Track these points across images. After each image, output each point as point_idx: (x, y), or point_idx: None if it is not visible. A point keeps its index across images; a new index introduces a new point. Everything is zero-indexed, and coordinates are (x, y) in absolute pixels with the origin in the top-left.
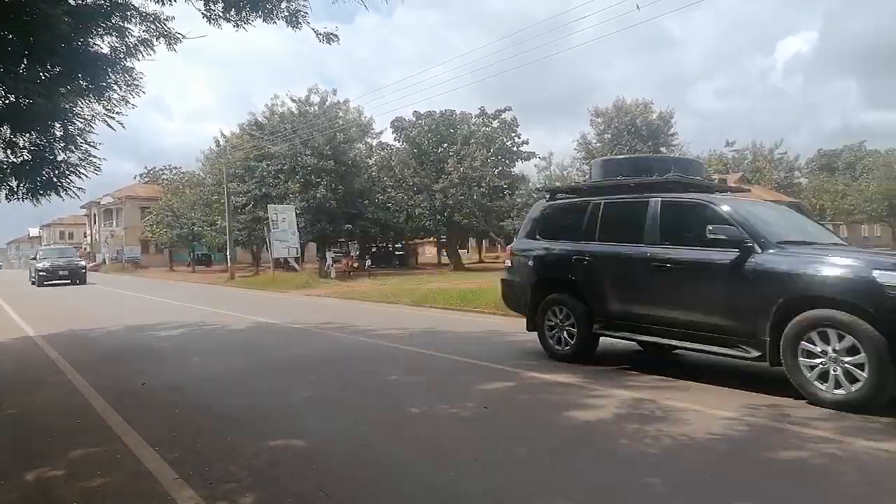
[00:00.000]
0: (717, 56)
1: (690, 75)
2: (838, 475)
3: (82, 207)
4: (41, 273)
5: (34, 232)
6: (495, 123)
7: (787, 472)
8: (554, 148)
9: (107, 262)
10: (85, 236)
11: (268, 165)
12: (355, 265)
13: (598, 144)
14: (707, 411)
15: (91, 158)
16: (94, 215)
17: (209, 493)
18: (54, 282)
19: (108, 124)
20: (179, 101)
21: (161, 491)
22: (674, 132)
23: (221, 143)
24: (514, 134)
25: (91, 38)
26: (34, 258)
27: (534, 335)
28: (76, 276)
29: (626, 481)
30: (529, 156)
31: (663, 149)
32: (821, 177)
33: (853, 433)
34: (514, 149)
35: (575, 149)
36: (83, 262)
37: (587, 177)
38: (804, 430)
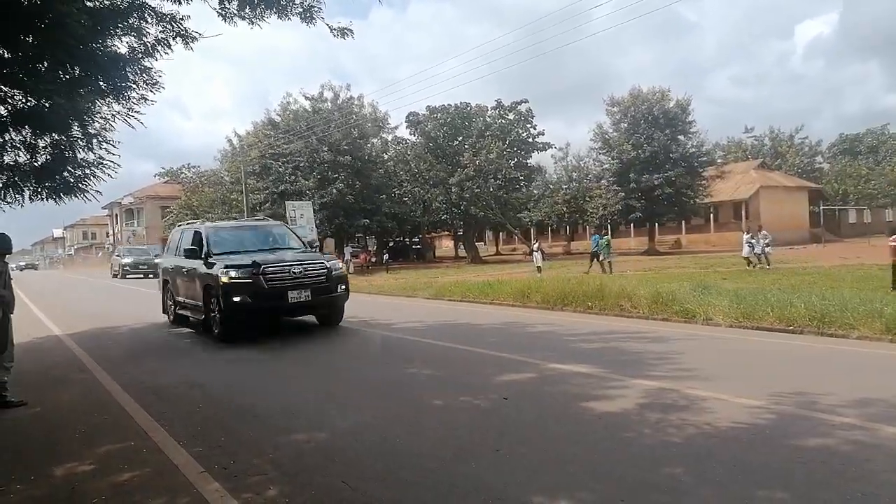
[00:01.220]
0: (735, 42)
1: (708, 62)
2: (865, 462)
3: (104, 208)
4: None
5: (58, 233)
6: (511, 115)
7: (814, 459)
8: (571, 138)
9: None
10: (107, 236)
11: (284, 163)
12: (373, 260)
13: (615, 134)
14: (731, 400)
15: (109, 160)
16: (116, 215)
17: (234, 486)
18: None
19: (129, 123)
20: (197, 101)
21: (187, 484)
22: (691, 119)
23: (235, 142)
24: (529, 125)
25: (109, 39)
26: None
27: (553, 325)
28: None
29: (649, 472)
30: (545, 147)
31: (681, 136)
32: (843, 161)
33: (880, 420)
34: (530, 140)
35: (591, 139)
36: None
37: (603, 167)
38: (831, 418)
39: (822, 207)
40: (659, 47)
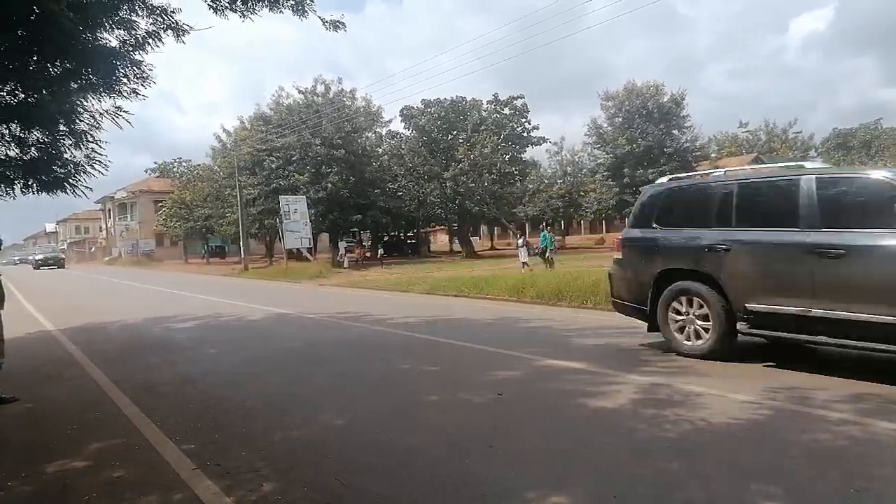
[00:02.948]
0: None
1: (703, 57)
2: (860, 457)
3: (97, 202)
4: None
5: (51, 227)
6: (507, 110)
7: (808, 454)
8: (567, 132)
9: (122, 256)
10: (100, 230)
11: (277, 158)
12: (367, 254)
13: (610, 128)
14: (726, 395)
15: (98, 156)
16: (109, 210)
17: (227, 484)
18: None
19: (116, 123)
20: (192, 95)
21: (179, 482)
22: (686, 114)
23: (224, 138)
24: (524, 119)
25: (99, 33)
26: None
27: (548, 320)
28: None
29: (643, 467)
30: (540, 141)
31: (675, 131)
32: (836, 156)
33: (875, 415)
34: (525, 134)
35: (586, 133)
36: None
37: (597, 162)
38: (826, 413)
39: None
40: (654, 42)
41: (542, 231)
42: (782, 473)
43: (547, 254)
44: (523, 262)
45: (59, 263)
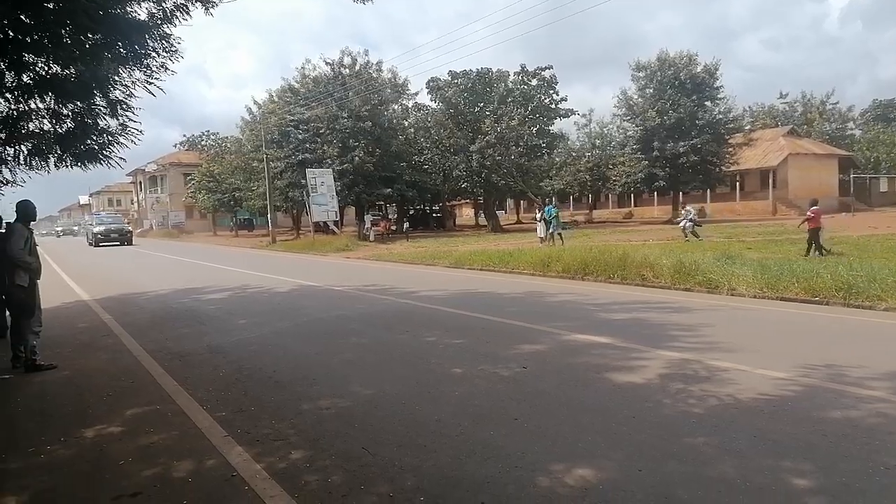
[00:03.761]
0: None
1: (739, 26)
2: (890, 435)
3: (128, 175)
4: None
5: (84, 199)
6: (534, 81)
7: (837, 431)
8: (597, 103)
9: (154, 228)
10: (132, 203)
11: (305, 131)
12: (393, 228)
13: (640, 100)
14: (754, 371)
15: (131, 127)
16: (140, 182)
17: (257, 451)
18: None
19: (149, 90)
20: (220, 69)
21: (211, 448)
22: (719, 85)
23: (254, 110)
24: (552, 91)
25: (128, 6)
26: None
27: (575, 294)
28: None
29: (669, 441)
30: (568, 113)
31: (708, 102)
32: (875, 128)
33: None
34: (553, 106)
35: (615, 105)
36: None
37: (627, 135)
38: (856, 390)
39: (852, 175)
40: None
41: (548, 206)
42: (812, 450)
43: (550, 228)
44: (540, 238)
45: (125, 238)
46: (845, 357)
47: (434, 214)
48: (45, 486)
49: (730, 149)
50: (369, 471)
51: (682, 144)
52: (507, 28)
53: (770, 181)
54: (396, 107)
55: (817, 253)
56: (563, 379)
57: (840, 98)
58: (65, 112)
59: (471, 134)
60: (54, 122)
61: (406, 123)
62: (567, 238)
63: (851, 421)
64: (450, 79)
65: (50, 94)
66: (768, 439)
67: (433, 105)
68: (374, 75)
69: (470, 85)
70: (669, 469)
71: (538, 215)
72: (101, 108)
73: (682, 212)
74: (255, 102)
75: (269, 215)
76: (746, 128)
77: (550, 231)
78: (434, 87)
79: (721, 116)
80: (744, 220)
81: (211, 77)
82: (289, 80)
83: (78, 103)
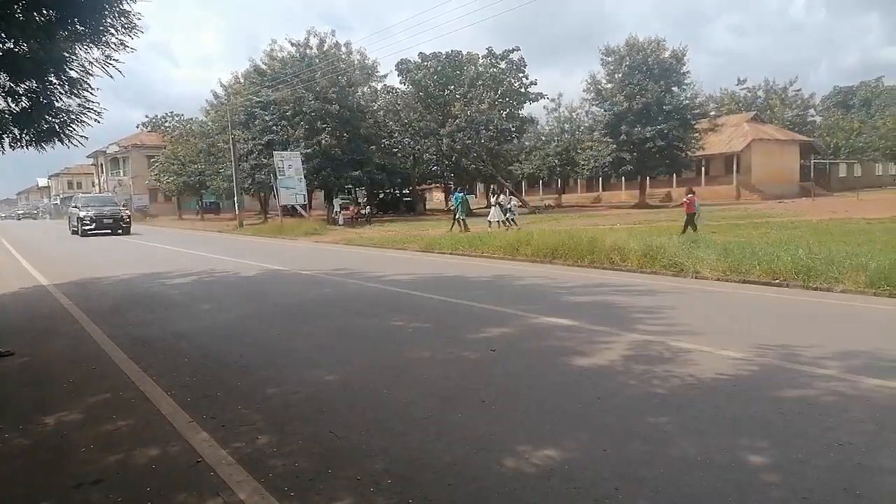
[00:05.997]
0: None
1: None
2: (845, 412)
3: (89, 157)
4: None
5: (42, 182)
6: (503, 64)
7: (793, 409)
8: (568, 88)
9: None
10: (93, 185)
11: (271, 112)
12: (363, 212)
13: (609, 85)
14: (715, 352)
15: (91, 105)
16: (102, 164)
17: (222, 436)
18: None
19: (107, 71)
20: (187, 49)
21: (175, 434)
22: (686, 70)
23: (220, 92)
24: (521, 75)
25: None
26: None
27: (543, 278)
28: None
29: (633, 421)
30: (538, 97)
31: (675, 88)
32: (836, 114)
33: (862, 371)
34: (522, 90)
35: (584, 90)
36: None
37: (595, 119)
38: (812, 370)
39: (812, 161)
40: None
41: (456, 192)
42: (769, 428)
43: (457, 215)
44: (489, 222)
45: (119, 226)
46: (802, 338)
47: (404, 198)
48: (3, 476)
49: (696, 134)
50: (337, 455)
51: (650, 129)
52: (480, 8)
53: (734, 166)
54: (365, 89)
55: (691, 229)
56: (531, 361)
57: (803, 84)
58: (19, 91)
59: (441, 117)
60: (9, 100)
61: (375, 106)
62: (537, 221)
63: (806, 399)
64: (420, 61)
65: (1, 71)
66: (727, 418)
67: (403, 87)
68: (343, 57)
69: (440, 68)
70: (633, 448)
71: (493, 199)
72: (58, 87)
73: (493, 199)
74: (222, 85)
75: (235, 198)
76: (711, 113)
77: (458, 217)
78: (403, 69)
79: (687, 102)
80: (708, 205)
81: (176, 57)
82: (255, 62)
83: (34, 82)
